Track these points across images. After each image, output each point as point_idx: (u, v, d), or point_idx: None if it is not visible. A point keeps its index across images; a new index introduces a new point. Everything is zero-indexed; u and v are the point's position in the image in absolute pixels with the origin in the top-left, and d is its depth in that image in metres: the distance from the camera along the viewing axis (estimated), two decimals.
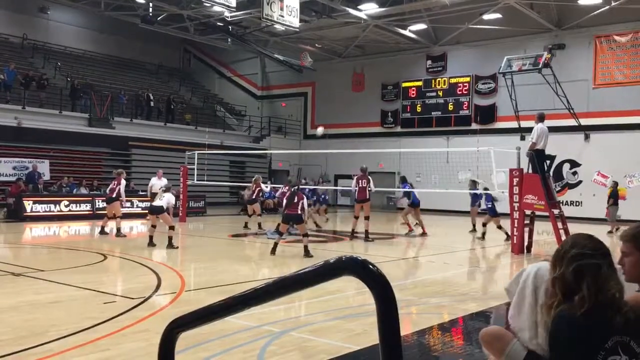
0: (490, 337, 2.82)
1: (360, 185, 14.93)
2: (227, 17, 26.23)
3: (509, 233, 14.09)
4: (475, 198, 16.49)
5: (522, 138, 22.64)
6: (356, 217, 15.22)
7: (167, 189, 13.05)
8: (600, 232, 16.59)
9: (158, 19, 27.34)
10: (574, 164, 25.14)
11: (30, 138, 22.17)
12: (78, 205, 19.94)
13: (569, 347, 2.21)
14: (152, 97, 28.50)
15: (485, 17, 25.11)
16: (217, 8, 23.89)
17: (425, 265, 11.62)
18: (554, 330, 2.27)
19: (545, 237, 15.77)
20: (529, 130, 14.30)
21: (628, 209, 21.38)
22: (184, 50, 38.45)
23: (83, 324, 5.66)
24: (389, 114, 30.70)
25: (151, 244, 12.36)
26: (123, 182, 15.02)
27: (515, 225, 12.68)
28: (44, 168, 21.54)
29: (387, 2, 24.46)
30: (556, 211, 12.69)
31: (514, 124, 24.51)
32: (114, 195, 14.97)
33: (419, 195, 17.23)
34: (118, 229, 14.63)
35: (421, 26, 27.22)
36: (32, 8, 30.50)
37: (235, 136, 31.96)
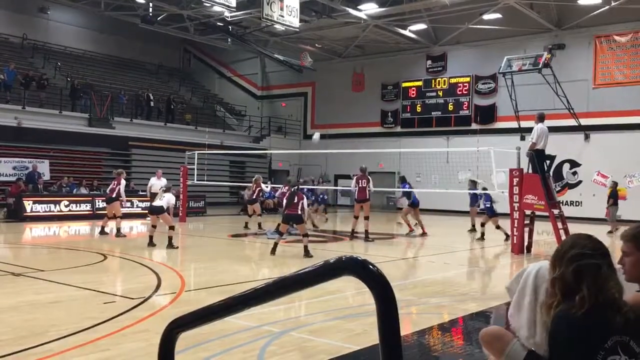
0: (490, 337, 2.82)
1: (360, 185, 14.92)
2: (227, 17, 26.24)
3: (508, 233, 14.12)
4: (475, 198, 16.50)
5: (522, 138, 22.63)
6: (356, 217, 15.21)
7: (167, 189, 13.05)
8: (600, 232, 16.61)
9: (158, 19, 27.34)
10: (574, 164, 25.14)
11: (30, 138, 22.17)
12: (78, 205, 19.94)
13: (568, 347, 2.21)
14: (152, 97, 28.51)
15: (485, 17, 25.11)
16: (217, 8, 23.89)
17: (425, 265, 11.62)
18: (554, 331, 2.27)
19: (545, 237, 15.76)
20: (529, 130, 14.30)
21: (628, 209, 21.38)
22: (184, 50, 38.46)
23: (83, 324, 5.66)
24: (389, 114, 30.70)
25: (151, 244, 12.36)
26: (123, 182, 15.02)
27: (515, 225, 12.68)
28: (44, 168, 21.54)
29: (387, 2, 24.46)
30: (556, 211, 12.69)
31: (514, 124, 24.51)
32: (113, 195, 14.97)
33: (419, 195, 17.24)
34: (118, 229, 14.63)
35: (421, 26, 27.22)
36: (32, 8, 30.51)
37: (235, 136, 31.96)
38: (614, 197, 19.13)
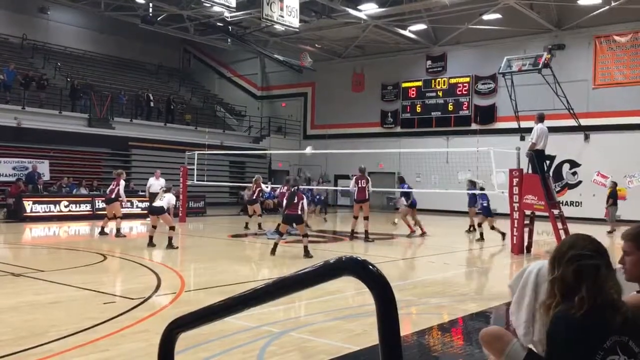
0: (490, 337, 2.83)
1: (360, 186, 14.92)
2: (227, 18, 26.24)
3: (504, 231, 14.33)
4: (474, 198, 16.50)
5: (522, 138, 22.63)
6: (355, 217, 15.22)
7: (167, 190, 13.05)
8: (600, 232, 16.63)
9: (158, 19, 27.34)
10: (573, 164, 25.15)
11: (30, 138, 22.17)
12: (78, 205, 19.94)
13: (566, 348, 2.21)
14: (152, 98, 28.51)
15: (485, 17, 25.11)
16: (217, 8, 23.89)
17: (425, 265, 11.62)
18: (552, 331, 2.27)
19: (545, 237, 15.77)
20: (529, 130, 14.30)
21: (628, 209, 21.40)
22: (183, 51, 38.46)
23: (83, 325, 5.66)
24: (389, 114, 30.70)
25: (151, 244, 12.36)
26: (122, 182, 15.03)
27: (515, 225, 12.68)
28: (43, 168, 21.54)
29: (386, 2, 24.46)
30: (556, 211, 12.69)
31: (513, 124, 24.51)
32: (113, 196, 14.98)
33: (417, 195, 17.25)
34: (118, 230, 14.63)
35: (421, 26, 27.22)
36: (32, 8, 30.51)
37: (235, 136, 31.97)
38: (614, 197, 19.14)
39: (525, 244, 12.76)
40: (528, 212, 12.96)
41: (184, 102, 32.52)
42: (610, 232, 17.48)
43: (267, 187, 19.04)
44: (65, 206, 19.54)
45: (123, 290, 7.99)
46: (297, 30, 24.85)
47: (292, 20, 22.69)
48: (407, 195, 16.50)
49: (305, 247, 11.30)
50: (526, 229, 12.84)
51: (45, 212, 19.00)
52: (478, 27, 26.10)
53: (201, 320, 2.12)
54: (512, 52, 24.50)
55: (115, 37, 32.73)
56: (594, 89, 24.68)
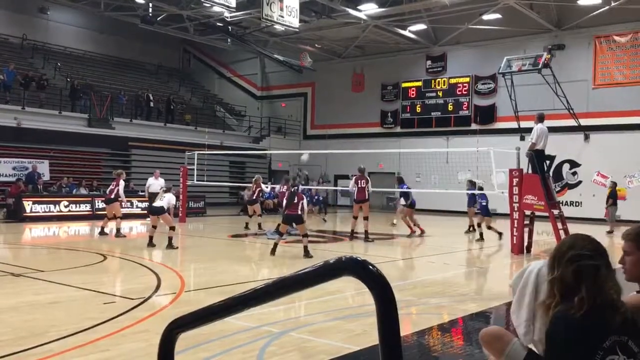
0: (490, 337, 2.83)
1: (360, 186, 14.92)
2: (227, 18, 26.24)
3: (501, 232, 14.45)
4: (473, 198, 16.52)
5: (522, 138, 22.63)
6: (355, 218, 15.22)
7: (167, 190, 13.05)
8: (600, 232, 16.63)
9: (158, 19, 27.34)
10: (573, 164, 25.15)
11: (29, 138, 22.17)
12: (78, 205, 19.94)
13: (565, 349, 2.21)
14: (151, 98, 28.51)
15: (485, 17, 25.11)
16: (216, 8, 23.89)
17: (425, 265, 11.61)
18: (551, 331, 2.27)
19: (545, 238, 15.77)
20: (529, 130, 14.30)
21: (628, 209, 21.40)
22: (183, 51, 38.46)
23: (83, 325, 5.66)
24: (389, 114, 30.70)
25: (151, 244, 12.35)
26: (122, 183, 15.03)
27: (515, 225, 12.68)
28: (43, 168, 21.53)
29: (386, 3, 24.47)
30: (556, 211, 12.69)
31: (513, 124, 24.51)
32: (112, 197, 14.98)
33: (416, 195, 17.26)
34: (118, 230, 14.63)
35: (421, 26, 27.22)
36: (32, 8, 30.51)
37: (235, 136, 31.96)
38: (613, 197, 19.15)
39: (525, 244, 12.77)
40: (528, 212, 12.96)
41: (183, 102, 32.52)
42: (609, 232, 17.48)
43: (267, 187, 19.04)
44: (65, 206, 19.54)
45: (123, 291, 7.99)
46: (297, 30, 24.85)
47: (292, 20, 22.69)
48: (406, 195, 16.51)
49: (305, 247, 11.30)
50: (526, 229, 12.85)
51: (45, 212, 19.00)
52: (478, 27, 26.10)
53: (201, 321, 2.12)
54: (512, 52, 24.50)
55: (115, 37, 32.72)
56: (593, 89, 24.68)
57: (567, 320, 2.22)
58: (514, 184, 12.79)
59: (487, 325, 6.42)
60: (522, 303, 2.66)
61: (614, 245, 13.43)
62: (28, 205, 18.74)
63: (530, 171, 12.88)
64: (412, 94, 29.92)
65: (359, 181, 14.92)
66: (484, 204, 15.20)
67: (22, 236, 15.46)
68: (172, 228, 12.50)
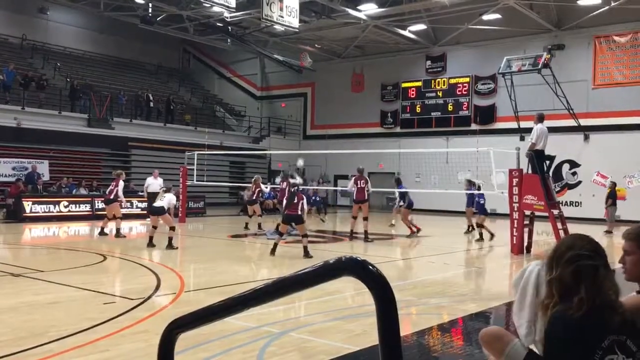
0: (490, 338, 2.82)
1: (359, 186, 14.93)
2: (227, 18, 26.24)
3: (493, 233, 14.67)
4: (472, 198, 16.54)
5: (522, 138, 22.61)
6: (354, 218, 15.22)
7: (168, 190, 13.05)
8: (599, 232, 16.64)
9: (157, 19, 27.33)
10: (573, 164, 25.15)
11: (29, 138, 22.16)
12: (77, 205, 19.93)
13: (564, 349, 2.21)
14: (151, 98, 28.51)
15: (485, 17, 25.12)
16: (216, 8, 23.89)
17: (424, 265, 11.61)
18: (550, 331, 2.27)
19: (544, 238, 15.77)
20: (529, 130, 14.30)
21: (628, 209, 21.41)
22: (183, 51, 38.46)
23: (82, 325, 5.66)
24: (389, 114, 30.70)
25: (151, 244, 12.35)
26: (121, 183, 15.02)
27: (515, 225, 12.68)
28: (43, 168, 21.53)
29: (386, 3, 24.47)
30: (556, 212, 12.69)
31: (513, 125, 24.50)
32: (111, 197, 14.97)
33: (416, 195, 17.28)
34: (117, 230, 14.62)
35: (421, 26, 27.22)
36: (31, 8, 30.51)
37: (234, 137, 31.96)
38: (613, 197, 19.16)
39: (525, 244, 12.77)
40: (528, 212, 12.96)
41: (183, 102, 32.53)
42: (608, 232, 17.48)
43: (266, 187, 19.04)
44: (65, 206, 19.53)
45: (123, 291, 7.99)
46: (297, 30, 24.84)
47: (292, 20, 22.69)
48: (404, 196, 16.53)
49: (305, 248, 11.30)
50: (526, 229, 12.85)
51: (44, 212, 19.00)
52: (478, 27, 26.10)
53: (201, 321, 2.12)
54: (511, 52, 24.50)
55: (114, 37, 32.72)
56: (593, 89, 24.68)
57: (565, 320, 2.22)
58: (514, 184, 12.79)
59: (487, 325, 6.42)
60: (524, 304, 2.66)
61: (613, 245, 13.45)
62: (28, 205, 18.73)
63: (530, 171, 12.88)
64: (412, 94, 29.92)
65: (358, 181, 14.93)
66: (482, 202, 15.23)
67: (21, 236, 15.45)
68: (172, 228, 12.50)
